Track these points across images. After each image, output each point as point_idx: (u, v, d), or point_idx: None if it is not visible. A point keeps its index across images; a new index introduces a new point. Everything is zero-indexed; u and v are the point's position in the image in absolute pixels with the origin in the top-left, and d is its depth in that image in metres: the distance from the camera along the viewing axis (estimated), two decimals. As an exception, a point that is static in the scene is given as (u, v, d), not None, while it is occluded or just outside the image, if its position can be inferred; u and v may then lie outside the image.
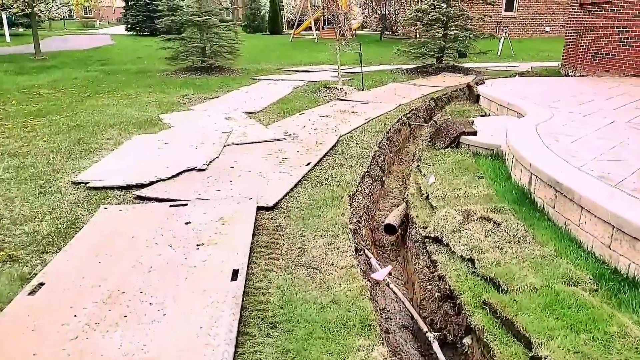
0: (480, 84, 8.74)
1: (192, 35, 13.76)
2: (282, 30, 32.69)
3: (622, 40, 10.51)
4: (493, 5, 16.93)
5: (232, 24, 14.78)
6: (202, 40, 13.63)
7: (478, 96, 8.08)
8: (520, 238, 3.28)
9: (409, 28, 23.65)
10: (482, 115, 7.26)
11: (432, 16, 13.11)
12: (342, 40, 11.08)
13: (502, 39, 18.89)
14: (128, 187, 4.79)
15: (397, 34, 26.81)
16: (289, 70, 14.76)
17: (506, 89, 8.05)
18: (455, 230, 3.43)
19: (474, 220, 3.52)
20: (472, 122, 6.04)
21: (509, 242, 3.25)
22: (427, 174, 4.78)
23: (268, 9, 33.22)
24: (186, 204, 4.30)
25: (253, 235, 3.72)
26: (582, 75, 11.45)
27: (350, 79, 12.36)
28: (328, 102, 9.33)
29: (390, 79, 12.55)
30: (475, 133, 5.64)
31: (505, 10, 25.32)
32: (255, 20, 35.84)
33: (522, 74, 13.79)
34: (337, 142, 6.38)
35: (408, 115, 8.12)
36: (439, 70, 13.52)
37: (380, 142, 6.39)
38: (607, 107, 6.23)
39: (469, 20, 13.26)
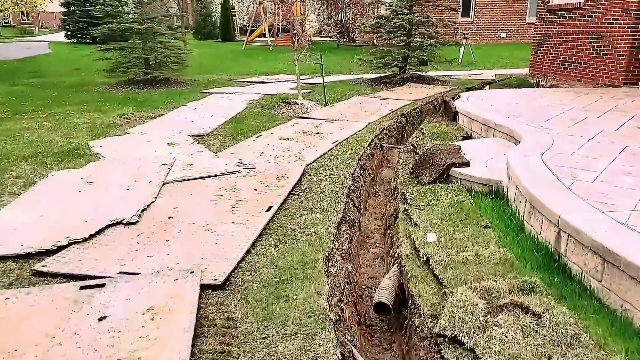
0: (456, 98, 7.92)
1: (134, 45, 12.39)
2: (234, 37, 31.41)
3: (595, 48, 10.02)
4: (457, 11, 16.38)
5: (179, 32, 13.49)
6: (144, 50, 12.29)
7: (455, 113, 7.24)
8: (571, 338, 2.34)
9: (370, 35, 23.00)
10: (464, 137, 6.41)
11: (395, 23, 12.32)
12: (299, 48, 10.08)
13: (463, 46, 18.46)
14: (27, 256, 3.56)
15: (355, 41, 26.12)
16: (242, 82, 13.61)
17: (486, 105, 7.25)
18: (480, 326, 2.45)
19: (502, 309, 2.56)
20: (460, 149, 5.13)
21: (559, 346, 2.30)
22: (419, 223, 3.81)
23: (219, 15, 31.86)
24: (104, 284, 3.14)
25: (194, 338, 2.62)
26: (553, 85, 10.93)
27: (310, 92, 11.36)
28: (288, 120, 8.28)
29: (353, 90, 11.64)
30: (467, 164, 4.73)
31: (462, 16, 25.09)
32: (206, 26, 34.35)
33: (489, 84, 13.23)
34: (303, 174, 5.34)
35: (380, 136, 7.18)
36: (404, 80, 12.75)
37: (353, 173, 5.40)
38: (607, 128, 5.49)
39: (434, 28, 12.56)
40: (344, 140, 6.79)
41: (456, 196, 4.31)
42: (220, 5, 31.10)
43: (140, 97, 10.60)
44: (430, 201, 4.27)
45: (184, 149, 6.41)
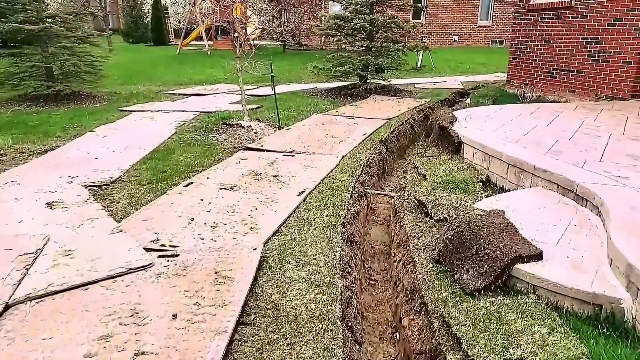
0: (450, 120, 6.08)
1: (31, 51, 9.75)
2: (168, 40, 28.55)
3: (592, 53, 8.57)
4: (424, 11, 14.71)
5: (90, 34, 10.88)
6: (45, 58, 9.67)
7: (459, 144, 5.39)
8: None
9: (319, 39, 21.11)
10: (484, 183, 4.54)
11: (354, 24, 10.42)
12: (242, 56, 7.95)
13: (422, 51, 16.91)
14: None
15: (302, 45, 24.12)
16: (174, 94, 11.23)
17: (497, 131, 5.45)
18: None
19: None
20: (510, 223, 3.22)
21: None
22: None
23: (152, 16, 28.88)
24: None
25: None
26: (540, 97, 9.42)
27: (258, 107, 9.24)
28: (232, 153, 6.14)
29: (310, 105, 9.62)
30: (539, 256, 2.82)
31: (413, 18, 23.72)
32: (137, 29, 31.18)
33: (464, 95, 11.63)
34: (259, 267, 3.25)
35: (362, 179, 5.19)
36: (367, 92, 10.89)
37: (341, 259, 3.36)
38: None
39: (400, 30, 10.79)
40: (314, 188, 4.74)
41: (540, 323, 2.37)
42: (151, 5, 28.16)
43: (33, 120, 8.04)
44: (498, 333, 2.30)
45: (70, 215, 4.12)
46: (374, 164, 5.80)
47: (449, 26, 25.26)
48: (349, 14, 10.61)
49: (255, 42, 25.35)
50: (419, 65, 16.69)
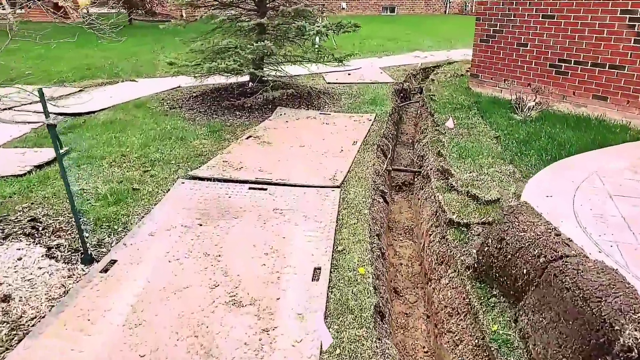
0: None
1: None
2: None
3: (646, 38, 5.17)
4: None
5: None
6: None
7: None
8: None
9: (178, 7, 15.83)
10: None
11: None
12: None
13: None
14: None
15: (156, 14, 18.37)
16: None
17: None
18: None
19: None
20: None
21: None
22: None
23: None
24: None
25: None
26: (538, 105, 5.90)
27: (40, 168, 4.40)
28: None
29: (168, 143, 5.02)
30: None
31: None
32: None
33: (406, 95, 7.80)
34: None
35: None
36: (267, 102, 6.52)
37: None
38: None
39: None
40: None
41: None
42: None
43: None
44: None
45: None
46: None
47: (336, -10, 21.36)
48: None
49: (90, 11, 19.02)
50: (316, 44, 12.55)
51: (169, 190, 3.86)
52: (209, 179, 4.03)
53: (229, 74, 6.50)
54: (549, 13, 6.09)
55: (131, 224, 3.34)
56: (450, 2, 25.19)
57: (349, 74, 9.42)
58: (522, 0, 6.40)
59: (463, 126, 5.35)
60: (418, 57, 11.64)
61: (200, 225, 3.24)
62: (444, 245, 3.09)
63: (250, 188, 3.83)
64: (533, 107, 5.85)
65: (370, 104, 6.89)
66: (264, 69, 6.94)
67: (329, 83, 8.56)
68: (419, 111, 7.48)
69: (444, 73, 8.84)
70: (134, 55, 11.11)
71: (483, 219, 3.11)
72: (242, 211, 3.45)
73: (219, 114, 6.31)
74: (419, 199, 4.31)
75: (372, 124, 5.72)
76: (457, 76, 8.53)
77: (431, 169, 4.23)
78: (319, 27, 6.07)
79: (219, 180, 4.01)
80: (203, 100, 6.94)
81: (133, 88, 7.92)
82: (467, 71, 9.03)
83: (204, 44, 6.79)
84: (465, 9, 25.75)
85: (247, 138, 5.18)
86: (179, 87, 8.02)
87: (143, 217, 3.42)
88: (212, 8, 7.08)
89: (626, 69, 5.38)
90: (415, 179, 5.07)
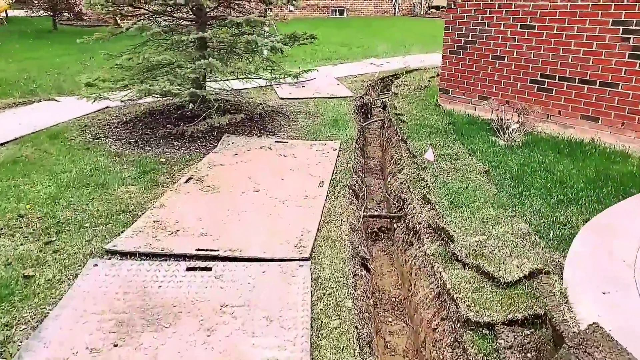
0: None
1: None
2: None
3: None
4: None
5: None
6: None
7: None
8: None
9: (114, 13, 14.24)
10: None
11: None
12: None
13: (268, 28, 11.76)
14: None
15: (83, 18, 16.67)
16: None
17: None
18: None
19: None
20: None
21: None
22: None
23: None
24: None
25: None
26: (521, 125, 5.22)
27: None
28: None
29: (86, 193, 3.91)
30: None
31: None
32: None
33: (366, 111, 6.96)
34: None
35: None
36: (211, 128, 5.50)
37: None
38: None
39: (268, 4, 5.59)
40: None
41: None
42: None
43: None
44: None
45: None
46: None
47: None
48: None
49: (7, 12, 17.04)
50: (264, 56, 11.55)
51: (76, 276, 2.81)
52: (133, 255, 3.00)
53: (162, 95, 5.43)
54: (528, 23, 5.43)
55: (10, 344, 2.29)
56: (399, 4, 24.81)
57: (303, 86, 8.51)
58: (497, 9, 5.72)
59: (445, 158, 4.57)
60: (374, 65, 10.90)
61: (115, 346, 2.23)
62: (461, 358, 2.24)
63: (188, 269, 2.85)
64: (516, 129, 5.17)
65: (332, 126, 6.01)
66: (207, 87, 5.92)
67: (282, 99, 7.61)
68: (384, 128, 6.69)
69: (406, 85, 8.11)
70: (57, 68, 9.70)
71: (509, 315, 2.30)
72: (177, 313, 2.47)
73: (152, 145, 5.23)
74: (406, 261, 3.47)
75: (338, 156, 4.84)
76: (421, 88, 7.81)
77: (420, 223, 3.39)
78: (272, 42, 5.11)
79: (146, 255, 2.99)
80: (134, 127, 5.83)
81: (52, 109, 6.66)
82: (429, 81, 8.36)
83: (133, 59, 5.70)
84: (414, 11, 25.47)
85: (186, 181, 4.17)
86: (107, 108, 6.82)
87: (30, 332, 2.36)
88: (143, 18, 5.96)
89: (620, 87, 4.78)
90: (394, 224, 4.24)
